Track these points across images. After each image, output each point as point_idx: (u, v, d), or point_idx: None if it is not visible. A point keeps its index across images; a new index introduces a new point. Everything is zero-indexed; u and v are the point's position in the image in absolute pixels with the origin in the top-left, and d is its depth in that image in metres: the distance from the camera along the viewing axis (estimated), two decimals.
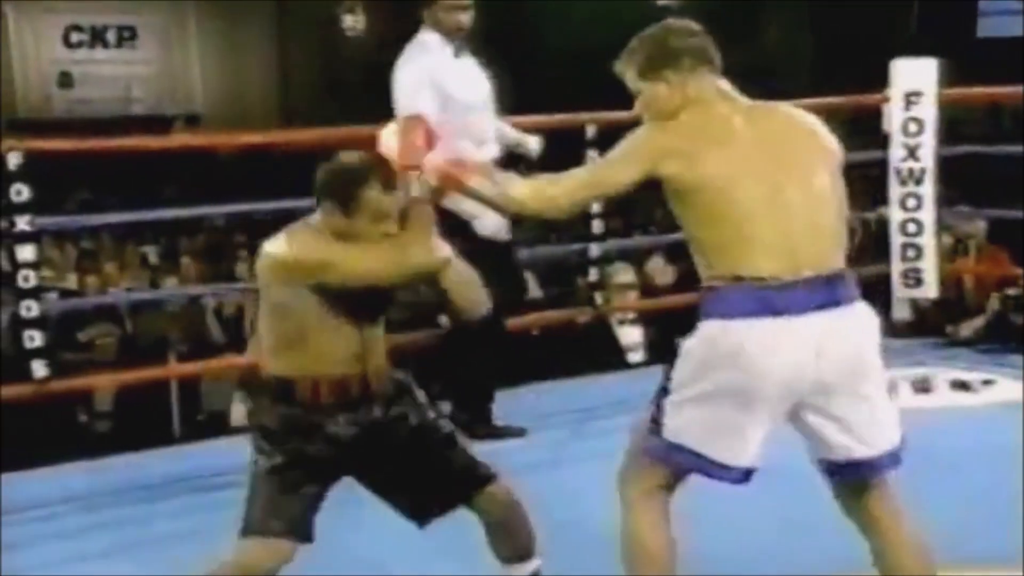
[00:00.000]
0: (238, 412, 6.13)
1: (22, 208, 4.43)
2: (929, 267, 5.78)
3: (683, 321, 2.64)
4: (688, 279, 4.87)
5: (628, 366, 6.17)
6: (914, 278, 5.80)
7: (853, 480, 2.58)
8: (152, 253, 10.30)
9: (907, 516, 2.60)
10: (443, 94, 4.30)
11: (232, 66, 16.47)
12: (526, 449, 4.32)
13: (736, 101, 2.58)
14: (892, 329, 5.99)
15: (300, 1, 16.10)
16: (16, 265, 4.47)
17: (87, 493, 4.20)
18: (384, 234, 2.71)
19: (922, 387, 5.05)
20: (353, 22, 15.73)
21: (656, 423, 2.52)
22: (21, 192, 4.42)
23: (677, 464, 2.52)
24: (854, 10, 12.61)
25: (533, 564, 2.91)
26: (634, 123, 2.58)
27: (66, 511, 4.07)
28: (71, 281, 8.59)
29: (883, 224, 5.95)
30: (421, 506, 2.87)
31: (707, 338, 2.47)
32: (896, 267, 5.82)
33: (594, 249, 5.59)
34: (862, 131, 6.03)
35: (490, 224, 4.31)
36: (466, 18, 4.43)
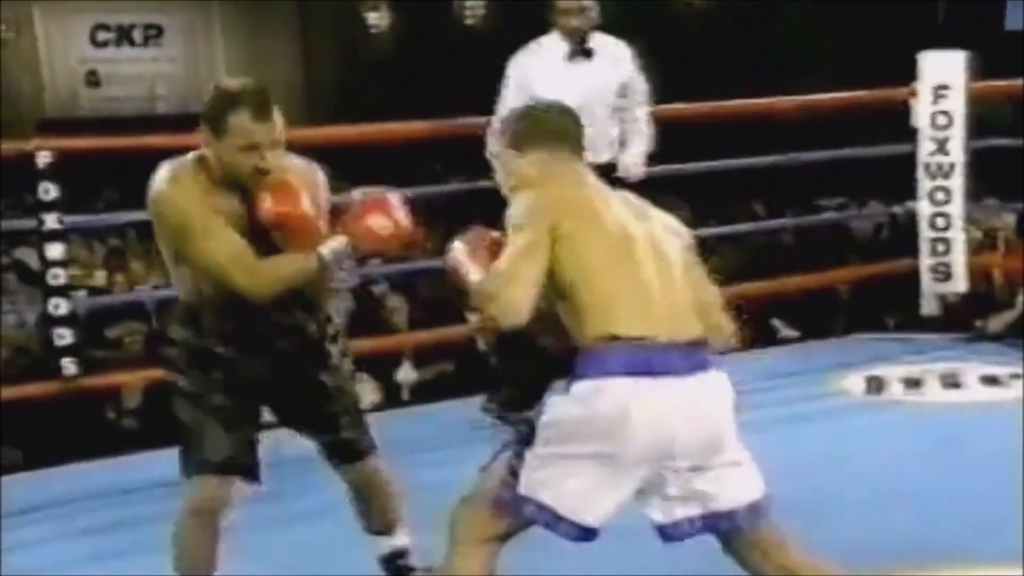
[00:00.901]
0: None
1: (51, 206, 4.46)
2: (958, 261, 5.76)
3: None
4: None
5: None
6: (943, 272, 5.78)
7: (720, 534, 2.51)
8: None
9: (794, 549, 2.51)
10: (529, 94, 4.39)
11: (257, 64, 16.51)
12: None
13: (591, 184, 2.59)
14: (921, 323, 5.97)
15: None
16: (45, 263, 4.51)
17: (115, 490, 4.23)
18: (257, 169, 2.64)
19: (951, 382, 5.03)
20: (377, 19, 15.74)
21: (514, 476, 2.45)
22: (50, 191, 4.45)
23: (523, 516, 2.46)
24: (881, 3, 12.55)
25: (401, 539, 3.00)
26: None
27: (94, 508, 4.09)
28: (99, 279, 8.63)
29: (912, 218, 5.93)
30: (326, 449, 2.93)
31: (583, 398, 2.41)
32: (925, 261, 5.80)
33: None
34: (890, 125, 6.00)
35: None
36: (576, 21, 4.59)
